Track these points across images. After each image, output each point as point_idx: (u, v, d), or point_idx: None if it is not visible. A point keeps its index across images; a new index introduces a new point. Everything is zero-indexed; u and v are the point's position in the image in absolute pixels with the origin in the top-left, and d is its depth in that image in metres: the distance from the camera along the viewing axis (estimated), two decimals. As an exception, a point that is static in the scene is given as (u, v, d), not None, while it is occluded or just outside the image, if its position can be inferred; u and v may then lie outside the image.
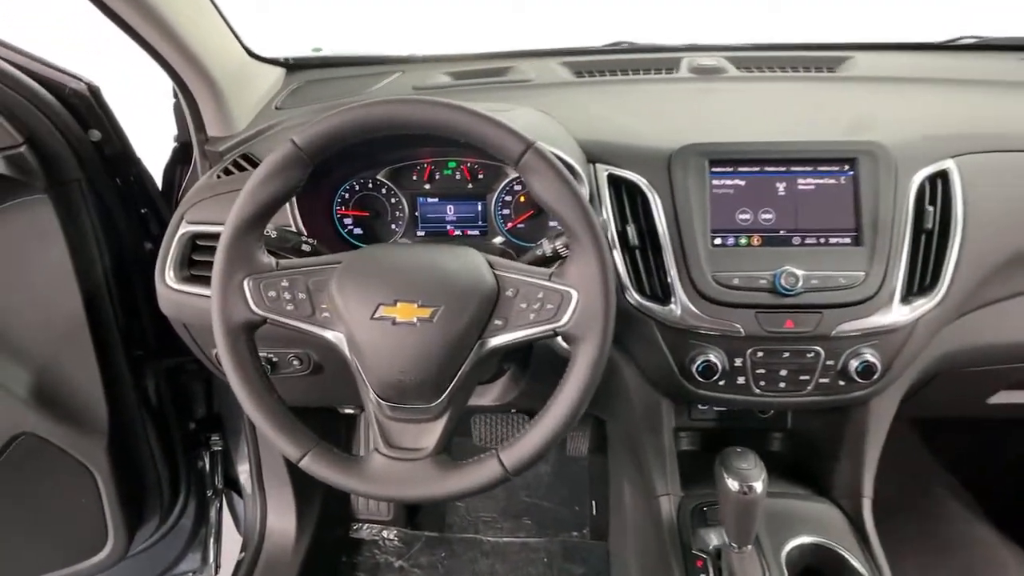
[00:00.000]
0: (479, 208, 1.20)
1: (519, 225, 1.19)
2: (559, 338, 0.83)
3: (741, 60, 1.39)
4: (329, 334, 0.87)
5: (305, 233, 1.08)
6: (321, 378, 1.22)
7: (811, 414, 1.24)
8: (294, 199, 1.04)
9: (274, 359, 1.17)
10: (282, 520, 1.62)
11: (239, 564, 1.61)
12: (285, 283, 0.86)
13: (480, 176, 1.19)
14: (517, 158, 0.81)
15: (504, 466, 0.83)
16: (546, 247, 0.96)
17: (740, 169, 1.05)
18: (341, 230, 1.21)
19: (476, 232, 1.21)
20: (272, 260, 0.88)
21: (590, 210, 0.82)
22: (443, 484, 0.84)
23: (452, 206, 1.20)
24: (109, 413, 1.32)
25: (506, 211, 1.19)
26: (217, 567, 1.70)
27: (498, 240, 1.20)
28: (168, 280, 1.10)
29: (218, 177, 1.13)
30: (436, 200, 1.20)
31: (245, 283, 0.86)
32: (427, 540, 1.84)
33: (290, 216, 1.09)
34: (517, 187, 1.18)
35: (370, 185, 1.20)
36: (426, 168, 1.19)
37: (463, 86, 1.38)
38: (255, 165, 1.12)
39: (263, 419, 0.86)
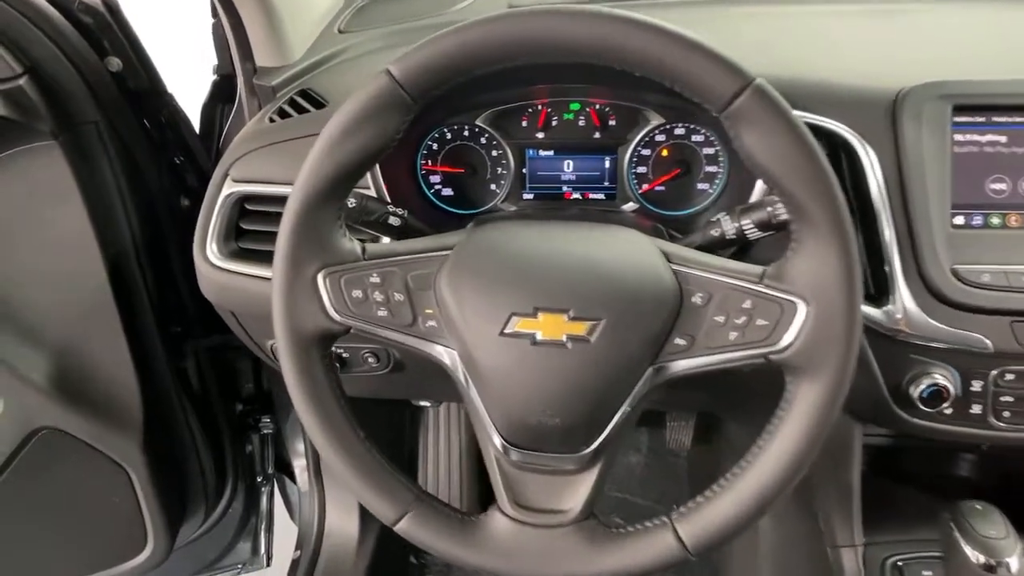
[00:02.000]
0: (606, 165, 0.92)
1: (658, 188, 0.92)
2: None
3: None
4: (439, 350, 0.64)
5: (389, 200, 0.82)
6: (401, 375, 0.98)
7: None
8: None
9: (344, 355, 0.94)
10: (343, 516, 1.42)
11: (295, 564, 1.42)
12: (375, 278, 0.63)
13: (611, 123, 0.91)
14: (727, 101, 0.54)
15: (683, 542, 0.60)
16: (726, 226, 0.71)
17: (995, 119, 0.77)
18: (427, 191, 0.95)
19: (600, 196, 0.94)
20: (357, 245, 0.64)
21: (836, 184, 0.56)
22: (596, 561, 0.63)
23: (571, 161, 0.93)
24: (142, 401, 1.14)
25: (642, 169, 0.92)
26: (268, 558, 1.54)
27: (629, 207, 0.93)
28: (210, 255, 0.86)
29: (271, 120, 0.89)
30: (551, 154, 0.93)
31: (320, 278, 0.63)
32: (504, 537, 1.63)
33: (369, 177, 0.83)
34: (659, 137, 0.90)
35: (465, 133, 0.93)
36: (540, 111, 0.91)
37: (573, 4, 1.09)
38: (316, 104, 0.89)
39: (345, 465, 0.65)
